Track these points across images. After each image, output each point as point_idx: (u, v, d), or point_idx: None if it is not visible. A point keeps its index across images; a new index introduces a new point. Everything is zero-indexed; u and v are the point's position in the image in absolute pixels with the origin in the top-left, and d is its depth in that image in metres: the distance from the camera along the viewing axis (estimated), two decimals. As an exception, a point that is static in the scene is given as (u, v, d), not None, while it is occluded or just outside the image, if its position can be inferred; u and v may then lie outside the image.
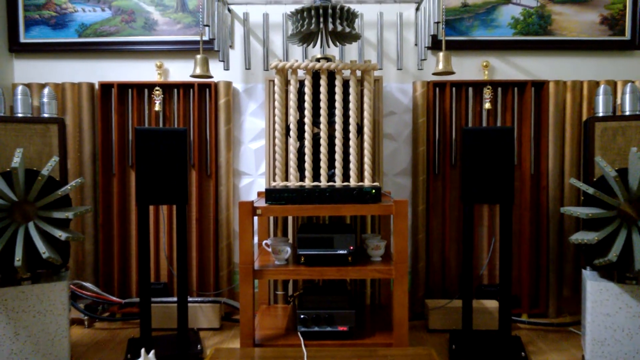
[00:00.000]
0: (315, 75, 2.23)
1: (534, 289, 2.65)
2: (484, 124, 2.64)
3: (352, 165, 2.19)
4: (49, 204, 1.94)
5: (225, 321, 2.62)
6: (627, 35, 2.67)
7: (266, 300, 2.63)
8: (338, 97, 2.18)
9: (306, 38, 2.33)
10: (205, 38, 2.58)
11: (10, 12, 2.69)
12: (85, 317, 2.54)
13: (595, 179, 2.06)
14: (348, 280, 2.60)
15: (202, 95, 2.68)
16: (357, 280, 2.64)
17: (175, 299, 2.55)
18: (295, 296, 2.52)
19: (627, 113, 2.11)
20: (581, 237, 1.94)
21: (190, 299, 2.55)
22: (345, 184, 2.15)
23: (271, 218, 2.63)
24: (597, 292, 2.00)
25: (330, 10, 2.11)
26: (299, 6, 2.18)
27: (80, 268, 2.67)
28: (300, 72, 2.59)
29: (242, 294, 2.02)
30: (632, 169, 1.89)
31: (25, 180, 1.91)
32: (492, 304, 2.50)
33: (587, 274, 2.05)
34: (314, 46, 2.38)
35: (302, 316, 2.12)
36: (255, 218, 2.59)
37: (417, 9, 2.65)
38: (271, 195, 2.04)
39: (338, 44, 2.36)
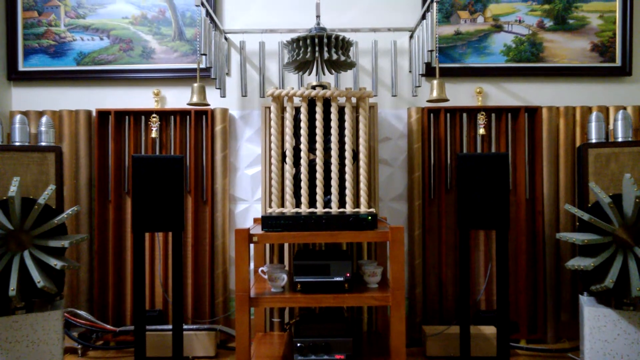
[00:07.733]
0: (311, 103, 2.25)
1: (532, 314, 2.64)
2: (478, 149, 2.66)
3: (348, 191, 2.20)
4: (45, 232, 1.94)
5: (220, 349, 2.59)
6: (618, 62, 2.72)
7: (262, 327, 2.60)
8: (334, 124, 2.20)
9: (302, 66, 2.36)
10: (202, 66, 2.61)
11: (9, 41, 2.72)
12: (79, 346, 2.51)
13: (590, 205, 2.07)
14: (345, 307, 2.58)
15: (199, 121, 2.69)
16: (353, 306, 2.62)
17: (170, 326, 2.52)
18: (291, 324, 2.50)
19: (620, 139, 2.14)
20: (577, 263, 1.94)
21: (185, 326, 2.53)
22: (341, 210, 2.16)
23: (267, 244, 2.62)
24: (594, 318, 1.99)
25: (325, 40, 2.15)
26: (294, 35, 2.22)
27: (74, 295, 2.64)
28: (296, 99, 2.62)
29: (238, 322, 2.00)
30: (626, 195, 1.91)
31: (22, 209, 1.91)
32: (490, 330, 2.48)
33: (585, 299, 2.05)
34: (309, 74, 2.41)
35: (298, 344, 2.10)
36: (252, 245, 2.59)
37: (411, 37, 2.70)
38: (267, 222, 2.04)
39: (333, 71, 2.39)
